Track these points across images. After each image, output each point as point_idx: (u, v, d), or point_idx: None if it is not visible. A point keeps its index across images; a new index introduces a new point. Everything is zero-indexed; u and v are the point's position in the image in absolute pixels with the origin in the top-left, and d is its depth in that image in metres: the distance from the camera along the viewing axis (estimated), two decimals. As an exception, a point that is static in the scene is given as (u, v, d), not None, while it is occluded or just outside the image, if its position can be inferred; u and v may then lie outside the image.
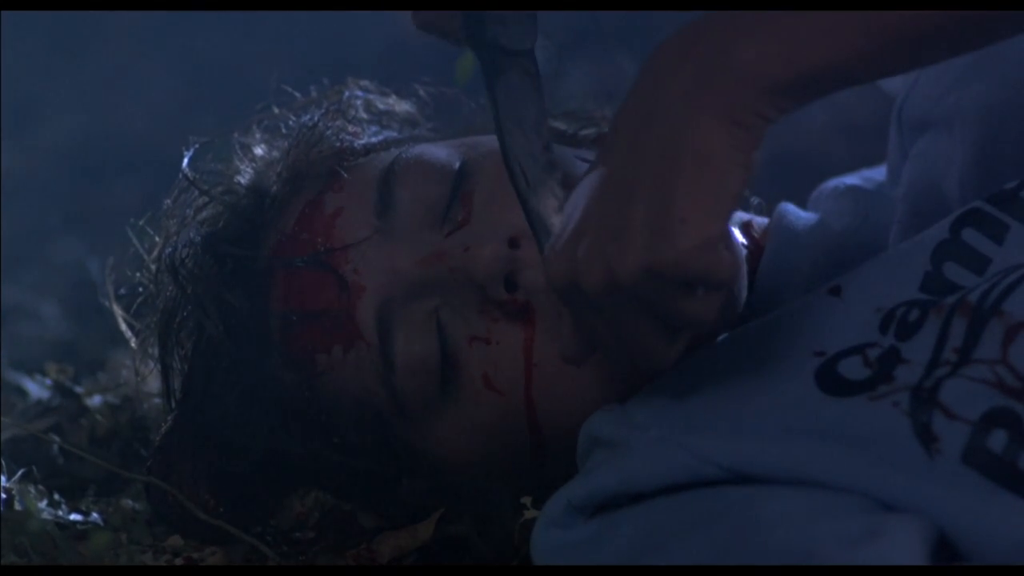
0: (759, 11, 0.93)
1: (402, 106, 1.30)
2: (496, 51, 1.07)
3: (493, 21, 1.06)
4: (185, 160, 1.23)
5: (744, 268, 1.10)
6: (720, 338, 1.09)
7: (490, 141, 1.19)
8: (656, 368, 0.98)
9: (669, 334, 0.96)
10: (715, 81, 0.92)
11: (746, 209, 1.23)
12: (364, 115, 1.27)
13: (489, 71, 1.07)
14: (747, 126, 0.92)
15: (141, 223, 1.25)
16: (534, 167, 1.06)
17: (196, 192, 1.21)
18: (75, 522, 1.26)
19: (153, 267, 1.22)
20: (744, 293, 1.09)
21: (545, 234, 1.04)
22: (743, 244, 1.14)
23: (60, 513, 1.26)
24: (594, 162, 0.98)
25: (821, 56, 0.92)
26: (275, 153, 1.22)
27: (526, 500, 1.17)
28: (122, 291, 1.27)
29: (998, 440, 0.93)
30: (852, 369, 1.00)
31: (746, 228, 1.19)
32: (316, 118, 1.22)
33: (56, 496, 1.29)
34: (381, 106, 1.29)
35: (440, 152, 1.17)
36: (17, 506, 1.22)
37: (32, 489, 1.26)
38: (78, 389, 1.51)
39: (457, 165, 1.16)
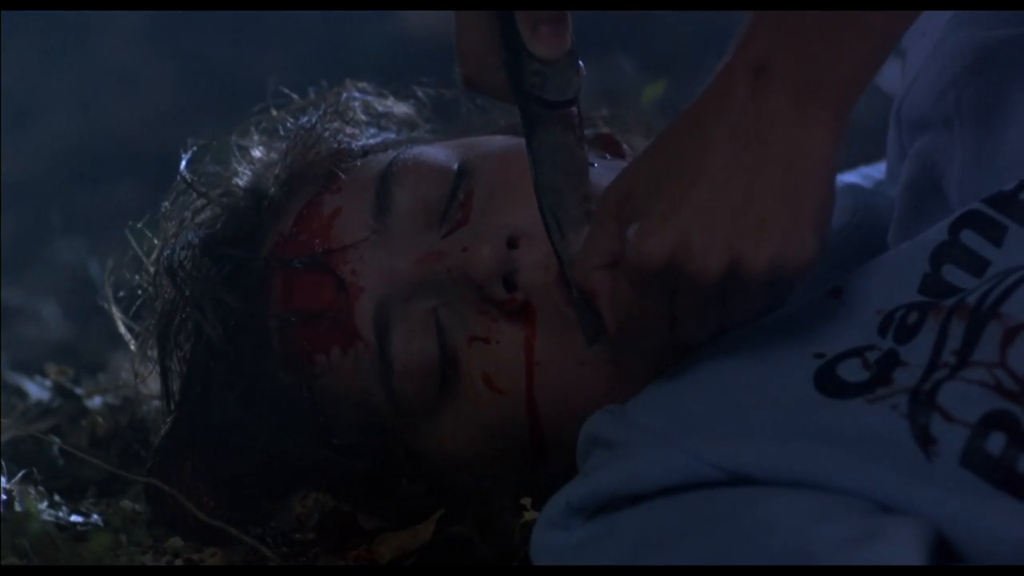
0: (806, 11, 0.98)
1: (401, 108, 1.30)
2: (536, 102, 1.07)
3: (532, 73, 1.06)
4: (183, 162, 1.23)
5: None
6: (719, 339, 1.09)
7: (489, 142, 1.19)
8: (696, 344, 1.05)
9: (722, 315, 1.02)
10: (821, 91, 0.98)
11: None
12: (362, 117, 1.27)
13: (528, 122, 1.08)
14: (842, 131, 0.98)
15: (140, 225, 1.25)
16: (569, 217, 1.07)
17: (194, 194, 1.21)
18: (75, 523, 1.26)
19: (152, 269, 1.22)
20: None
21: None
22: None
23: (60, 514, 1.26)
24: (656, 152, 1.01)
25: (884, 40, 0.99)
26: (273, 155, 1.23)
27: (526, 501, 1.17)
28: (121, 293, 1.27)
29: (996, 443, 0.93)
30: (851, 371, 1.00)
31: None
32: (314, 120, 1.22)
33: (56, 497, 1.29)
34: (379, 108, 1.29)
35: (438, 153, 1.17)
36: (17, 507, 1.22)
37: (32, 490, 1.26)
38: (78, 390, 1.51)
39: (456, 166, 1.16)
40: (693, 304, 1.00)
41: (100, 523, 1.27)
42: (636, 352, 1.08)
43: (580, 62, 1.07)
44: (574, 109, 1.08)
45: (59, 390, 1.52)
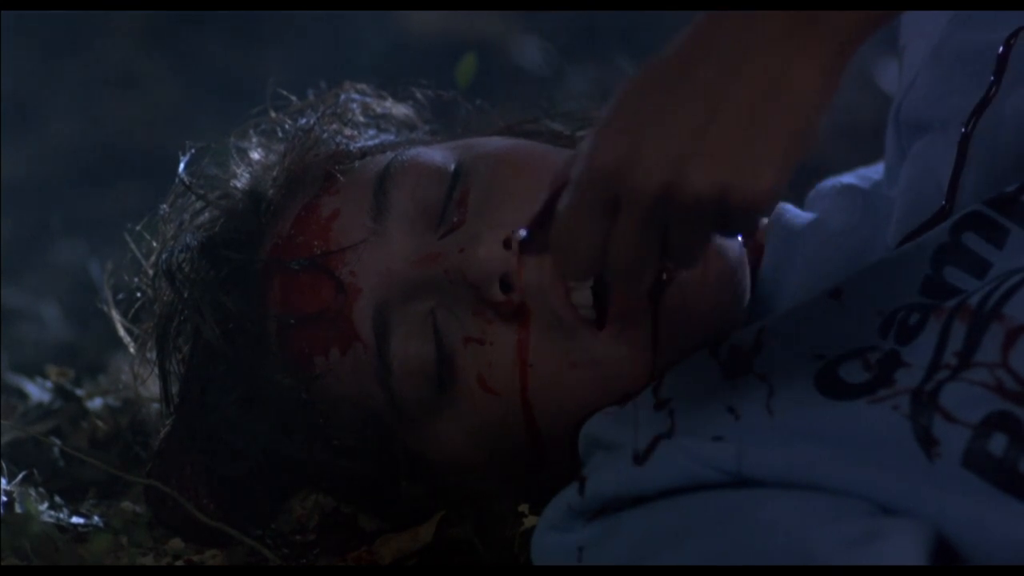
0: None
1: (399, 109, 1.30)
2: None
3: None
4: (182, 165, 1.23)
5: (746, 266, 1.10)
6: (721, 342, 1.09)
7: (487, 143, 1.19)
8: (635, 288, 0.96)
9: (659, 255, 0.94)
10: (815, 26, 0.90)
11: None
12: (361, 118, 1.27)
13: None
14: (834, 77, 0.91)
15: (139, 227, 1.25)
16: None
17: (193, 197, 1.21)
18: (76, 525, 1.26)
19: (150, 272, 1.22)
20: (748, 292, 1.10)
21: None
22: (743, 244, 1.14)
23: (61, 516, 1.26)
24: (637, 77, 0.94)
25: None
26: (271, 157, 1.23)
27: (523, 508, 1.17)
28: (121, 295, 1.27)
29: (998, 444, 0.93)
30: (852, 372, 1.00)
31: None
32: (312, 122, 1.22)
33: (57, 499, 1.29)
34: (378, 109, 1.29)
35: (436, 154, 1.17)
36: (18, 509, 1.22)
37: (33, 492, 1.26)
38: (79, 392, 1.51)
39: (453, 167, 1.16)
40: (628, 226, 0.93)
41: (100, 524, 1.27)
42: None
43: None
44: None
45: (59, 392, 1.52)
